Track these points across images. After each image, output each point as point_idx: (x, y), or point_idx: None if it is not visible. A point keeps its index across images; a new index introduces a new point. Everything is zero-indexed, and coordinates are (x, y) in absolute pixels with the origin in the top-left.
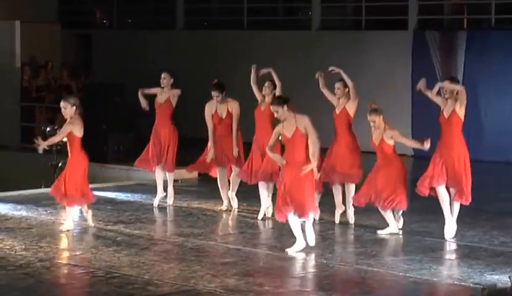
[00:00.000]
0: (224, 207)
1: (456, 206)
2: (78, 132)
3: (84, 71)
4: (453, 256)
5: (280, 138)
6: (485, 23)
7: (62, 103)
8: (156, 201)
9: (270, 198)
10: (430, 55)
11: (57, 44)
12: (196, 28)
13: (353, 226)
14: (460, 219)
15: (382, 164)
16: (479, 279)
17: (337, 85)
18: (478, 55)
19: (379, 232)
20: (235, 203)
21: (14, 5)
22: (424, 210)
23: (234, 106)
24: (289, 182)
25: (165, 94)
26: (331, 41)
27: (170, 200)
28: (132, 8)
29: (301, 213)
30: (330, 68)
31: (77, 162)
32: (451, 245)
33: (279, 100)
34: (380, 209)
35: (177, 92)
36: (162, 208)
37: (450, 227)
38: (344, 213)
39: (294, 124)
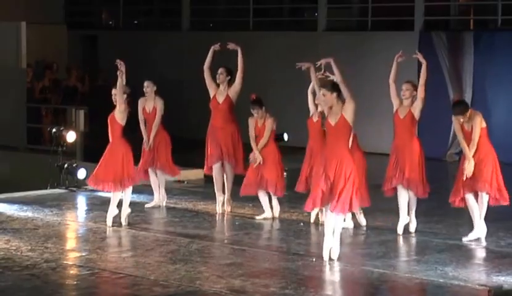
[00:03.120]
0: (220, 210)
1: (485, 207)
2: (121, 120)
3: (87, 73)
4: (459, 258)
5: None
6: (492, 24)
7: (114, 91)
8: (150, 205)
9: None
10: (437, 56)
11: (64, 45)
12: (202, 29)
13: (363, 227)
14: (466, 220)
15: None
16: (485, 280)
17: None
18: (485, 56)
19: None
20: (229, 206)
21: (20, 6)
22: (430, 212)
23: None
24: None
25: (151, 102)
26: (337, 42)
27: (163, 202)
28: (138, 10)
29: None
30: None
31: (116, 148)
32: (457, 246)
33: (334, 87)
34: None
35: (161, 103)
36: (168, 209)
37: (478, 232)
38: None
39: (339, 112)
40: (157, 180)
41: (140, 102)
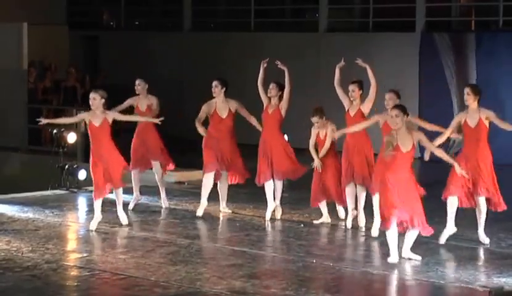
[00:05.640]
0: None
1: (483, 214)
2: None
3: (87, 73)
4: (460, 259)
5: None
6: (493, 25)
7: (92, 94)
8: (131, 205)
9: (279, 200)
10: (438, 57)
11: (65, 45)
12: (203, 29)
13: (363, 229)
14: (467, 222)
15: None
16: (486, 282)
17: (352, 87)
18: (488, 57)
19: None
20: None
21: (22, 7)
22: (431, 213)
23: (235, 105)
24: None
25: (144, 100)
26: (338, 43)
27: (165, 204)
28: (140, 10)
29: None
30: (357, 61)
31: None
32: (458, 248)
33: (404, 109)
34: None
35: (155, 100)
36: (168, 210)
37: (448, 233)
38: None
39: (411, 139)
40: (139, 177)
41: (132, 100)
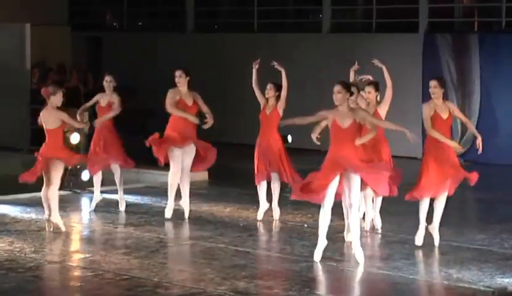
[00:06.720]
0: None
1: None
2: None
3: (89, 73)
4: (463, 260)
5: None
6: (496, 26)
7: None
8: (93, 205)
9: (277, 201)
10: (441, 58)
11: (68, 46)
12: (206, 30)
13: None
14: (470, 222)
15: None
16: (489, 282)
17: (368, 89)
18: (490, 58)
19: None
20: (187, 211)
21: (24, 8)
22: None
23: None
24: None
25: (107, 96)
26: (341, 44)
27: (122, 207)
28: (143, 11)
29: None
30: (374, 61)
31: None
32: (461, 248)
33: (349, 87)
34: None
35: (118, 100)
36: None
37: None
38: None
39: (352, 116)
40: (100, 177)
41: (98, 95)
